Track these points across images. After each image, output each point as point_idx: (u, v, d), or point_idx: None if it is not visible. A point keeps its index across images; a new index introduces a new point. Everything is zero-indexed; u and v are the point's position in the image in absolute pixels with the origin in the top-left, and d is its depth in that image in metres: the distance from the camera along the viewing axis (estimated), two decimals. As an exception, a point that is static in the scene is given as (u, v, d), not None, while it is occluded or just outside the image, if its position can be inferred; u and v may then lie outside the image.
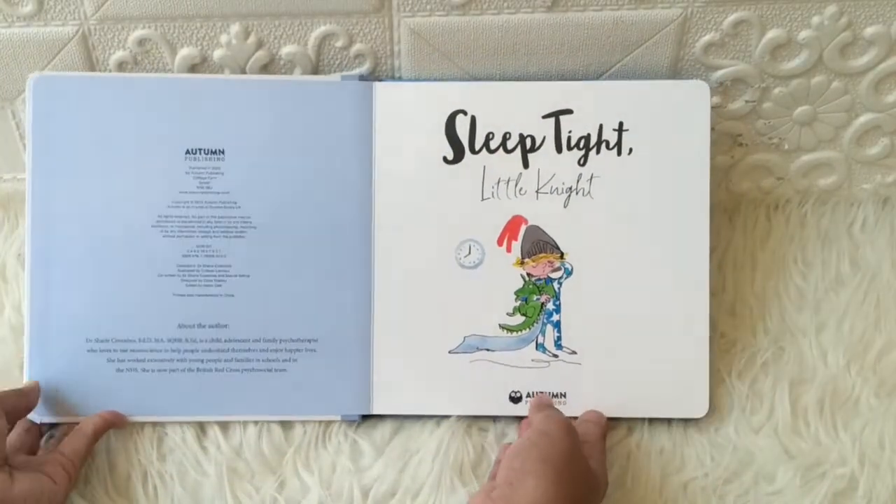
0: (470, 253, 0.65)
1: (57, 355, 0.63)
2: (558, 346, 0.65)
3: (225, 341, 0.64)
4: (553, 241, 0.65)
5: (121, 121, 0.64)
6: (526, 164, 0.65)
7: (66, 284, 0.63)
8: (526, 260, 0.65)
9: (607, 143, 0.65)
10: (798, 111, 0.69)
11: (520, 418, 0.65)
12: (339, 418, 0.64)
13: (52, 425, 0.63)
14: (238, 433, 0.64)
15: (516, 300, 0.65)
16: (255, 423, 0.64)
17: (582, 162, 0.65)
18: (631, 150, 0.65)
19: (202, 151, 0.64)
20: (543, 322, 0.65)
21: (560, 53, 0.65)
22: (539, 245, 0.65)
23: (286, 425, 0.65)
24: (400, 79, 0.66)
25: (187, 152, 0.64)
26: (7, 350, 0.66)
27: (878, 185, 0.73)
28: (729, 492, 0.62)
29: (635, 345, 0.65)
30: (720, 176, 0.72)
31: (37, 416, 0.62)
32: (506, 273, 0.65)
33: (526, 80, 0.66)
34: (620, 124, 0.64)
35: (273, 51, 0.65)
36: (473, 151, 0.65)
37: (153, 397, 0.63)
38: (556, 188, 0.65)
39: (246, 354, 0.64)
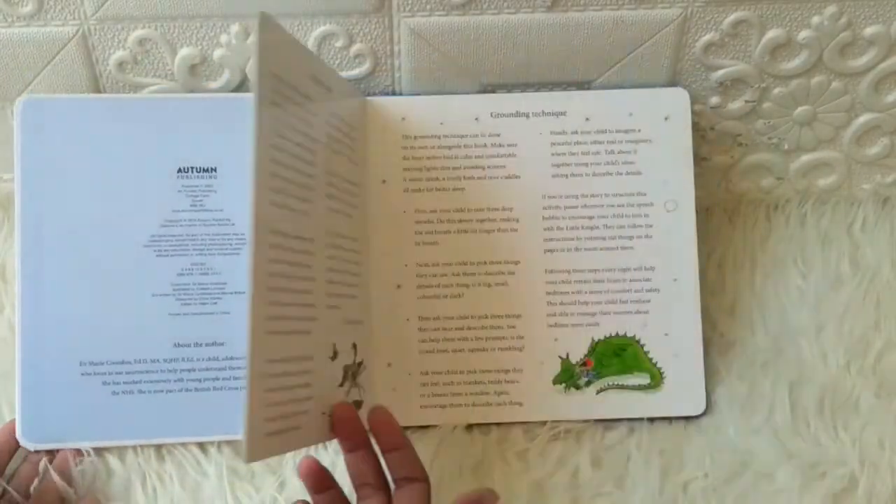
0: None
1: (50, 379, 0.62)
2: None
3: (222, 359, 0.63)
4: None
5: (111, 141, 0.63)
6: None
7: (57, 306, 0.62)
8: None
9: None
10: (798, 111, 0.69)
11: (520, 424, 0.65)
12: None
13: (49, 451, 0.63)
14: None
15: None
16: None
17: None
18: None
19: (194, 169, 0.64)
20: None
21: (560, 53, 0.65)
22: None
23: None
24: (400, 80, 0.66)
25: (179, 171, 0.64)
26: (8, 350, 0.66)
27: (878, 185, 0.73)
28: (729, 492, 0.62)
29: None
30: (719, 176, 0.72)
31: (31, 443, 0.61)
32: None
33: (526, 80, 0.66)
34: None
35: (273, 51, 0.65)
36: None
37: (150, 419, 0.63)
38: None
39: (243, 372, 0.63)
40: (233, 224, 0.64)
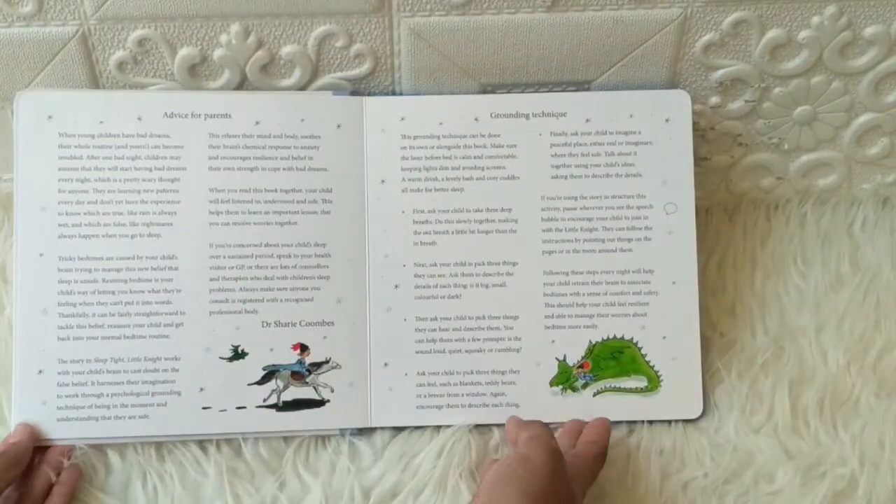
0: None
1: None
2: None
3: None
4: None
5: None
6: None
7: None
8: None
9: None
10: (798, 111, 0.69)
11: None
12: (336, 432, 0.64)
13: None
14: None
15: None
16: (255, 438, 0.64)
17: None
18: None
19: None
20: None
21: (560, 53, 0.65)
22: None
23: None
24: (400, 80, 0.66)
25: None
26: (8, 350, 0.66)
27: (878, 185, 0.73)
28: (729, 492, 0.62)
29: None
30: (720, 176, 0.72)
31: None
32: None
33: (526, 80, 0.67)
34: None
35: (273, 51, 0.64)
36: None
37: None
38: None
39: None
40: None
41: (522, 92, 0.67)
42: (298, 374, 0.64)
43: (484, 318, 0.65)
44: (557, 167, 0.65)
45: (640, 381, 0.65)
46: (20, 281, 0.62)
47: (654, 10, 0.64)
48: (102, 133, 0.63)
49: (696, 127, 0.68)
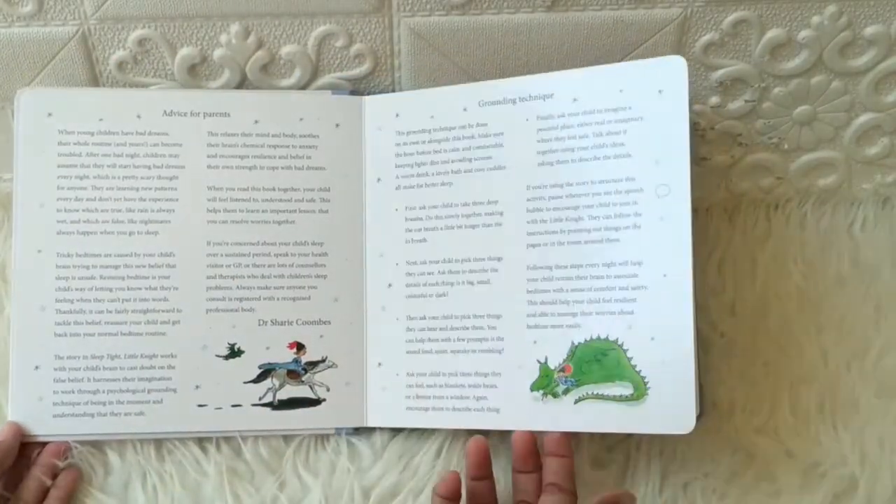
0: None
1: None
2: None
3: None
4: None
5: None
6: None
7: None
8: None
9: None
10: (798, 111, 0.69)
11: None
12: (332, 431, 0.64)
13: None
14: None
15: None
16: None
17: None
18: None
19: None
20: None
21: (560, 53, 0.65)
22: None
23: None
24: (400, 80, 0.66)
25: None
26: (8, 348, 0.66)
27: (878, 185, 0.73)
28: (729, 492, 0.62)
29: None
30: (720, 176, 0.72)
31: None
32: None
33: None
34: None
35: (273, 51, 0.65)
36: None
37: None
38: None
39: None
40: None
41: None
42: (294, 373, 0.64)
43: (469, 317, 0.63)
44: (544, 153, 0.62)
45: (625, 388, 0.59)
46: (18, 277, 0.62)
47: (654, 10, 0.64)
48: (102, 130, 0.63)
49: (696, 127, 0.68)
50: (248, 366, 0.63)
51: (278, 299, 0.64)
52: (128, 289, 0.63)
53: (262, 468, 0.63)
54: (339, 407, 0.64)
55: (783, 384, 0.66)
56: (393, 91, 0.67)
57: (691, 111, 0.65)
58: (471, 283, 0.63)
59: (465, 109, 0.64)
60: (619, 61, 0.66)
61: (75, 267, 0.62)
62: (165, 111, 0.64)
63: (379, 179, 0.65)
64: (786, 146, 0.71)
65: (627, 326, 0.59)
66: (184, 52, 0.64)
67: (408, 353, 0.64)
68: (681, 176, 0.59)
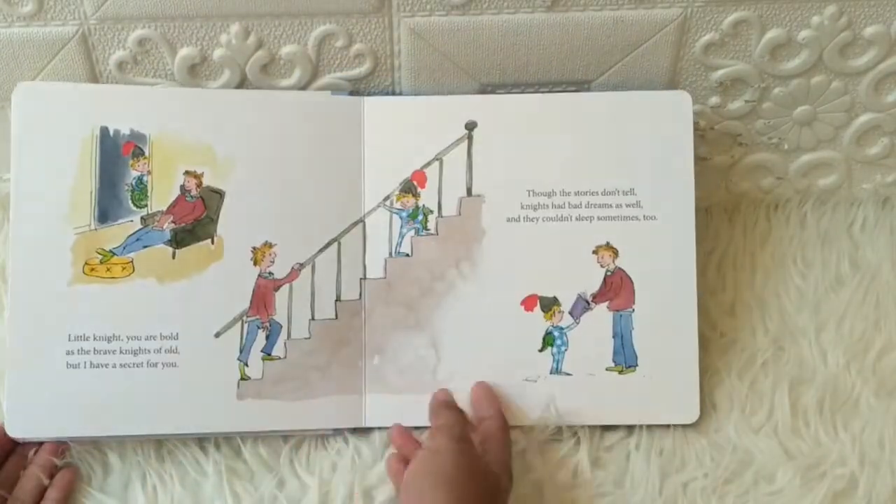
0: None
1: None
2: None
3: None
4: None
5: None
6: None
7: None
8: None
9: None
10: (798, 111, 0.69)
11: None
12: (331, 431, 0.64)
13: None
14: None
15: None
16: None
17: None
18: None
19: None
20: None
21: (560, 53, 0.65)
22: None
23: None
24: (400, 80, 0.67)
25: None
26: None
27: (878, 185, 0.73)
28: (729, 492, 0.62)
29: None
30: (720, 176, 0.72)
31: (17, 435, 0.61)
32: None
33: (526, 80, 0.67)
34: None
35: (273, 51, 0.65)
36: None
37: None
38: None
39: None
40: None
41: (522, 92, 0.67)
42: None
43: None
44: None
45: None
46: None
47: (654, 10, 0.64)
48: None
49: (696, 127, 0.68)
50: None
51: None
52: None
53: (261, 468, 0.63)
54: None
55: (783, 384, 0.66)
56: (393, 91, 0.67)
57: (692, 112, 0.66)
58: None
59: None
60: (619, 61, 0.66)
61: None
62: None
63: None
64: (786, 146, 0.71)
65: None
66: (184, 52, 0.64)
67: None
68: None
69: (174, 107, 0.64)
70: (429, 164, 0.66)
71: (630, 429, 0.65)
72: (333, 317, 0.65)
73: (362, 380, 0.64)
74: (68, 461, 0.62)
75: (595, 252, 0.65)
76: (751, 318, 0.70)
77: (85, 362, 0.62)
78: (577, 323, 0.65)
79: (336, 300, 0.65)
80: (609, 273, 0.65)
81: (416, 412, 0.64)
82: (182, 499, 0.62)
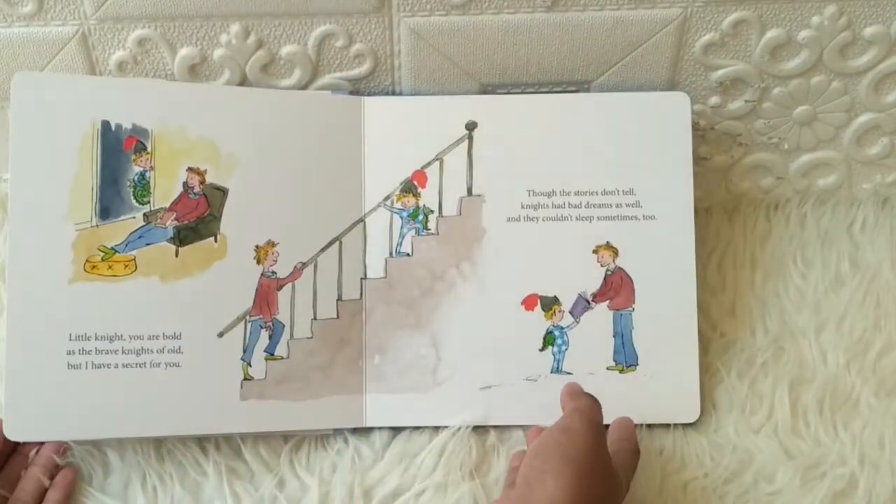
0: None
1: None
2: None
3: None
4: None
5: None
6: None
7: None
8: None
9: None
10: (798, 111, 0.69)
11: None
12: (331, 431, 0.64)
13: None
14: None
15: None
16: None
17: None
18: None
19: None
20: None
21: (560, 53, 0.65)
22: None
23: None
24: (400, 80, 0.67)
25: None
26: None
27: (878, 185, 0.73)
28: (729, 492, 0.62)
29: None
30: (720, 176, 0.72)
31: (17, 436, 0.60)
32: None
33: (526, 80, 0.67)
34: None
35: (273, 51, 0.65)
36: None
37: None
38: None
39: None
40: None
41: (522, 92, 0.67)
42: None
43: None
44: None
45: None
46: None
47: (654, 10, 0.64)
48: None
49: (696, 127, 0.68)
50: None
51: None
52: None
53: (261, 468, 0.63)
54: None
55: (783, 384, 0.66)
56: (393, 91, 0.67)
57: (692, 112, 0.66)
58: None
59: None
60: (619, 61, 0.66)
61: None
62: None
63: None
64: (786, 146, 0.71)
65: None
66: (184, 52, 0.64)
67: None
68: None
69: (177, 101, 0.64)
70: (429, 164, 0.66)
71: (630, 428, 0.65)
72: (335, 316, 0.65)
73: (363, 380, 0.64)
74: (69, 461, 0.62)
75: (595, 251, 0.66)
76: (751, 318, 0.70)
77: (86, 363, 0.61)
78: (578, 322, 0.65)
79: (338, 300, 0.65)
80: (609, 272, 0.65)
81: (417, 412, 0.64)
82: (182, 499, 0.61)
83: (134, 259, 0.63)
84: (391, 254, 0.66)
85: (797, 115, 0.69)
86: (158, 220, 0.63)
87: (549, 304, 0.65)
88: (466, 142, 0.66)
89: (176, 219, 0.63)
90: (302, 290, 0.64)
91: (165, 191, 0.63)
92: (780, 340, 0.68)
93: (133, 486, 0.62)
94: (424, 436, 0.64)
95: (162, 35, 0.63)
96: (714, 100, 0.68)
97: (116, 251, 0.62)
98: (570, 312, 0.65)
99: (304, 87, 0.66)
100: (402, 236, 0.66)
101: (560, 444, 0.53)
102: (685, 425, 0.65)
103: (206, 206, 0.64)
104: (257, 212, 0.64)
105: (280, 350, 0.64)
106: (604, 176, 0.66)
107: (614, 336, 0.65)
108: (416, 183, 0.66)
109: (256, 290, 0.64)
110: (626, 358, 0.65)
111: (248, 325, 0.64)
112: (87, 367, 0.61)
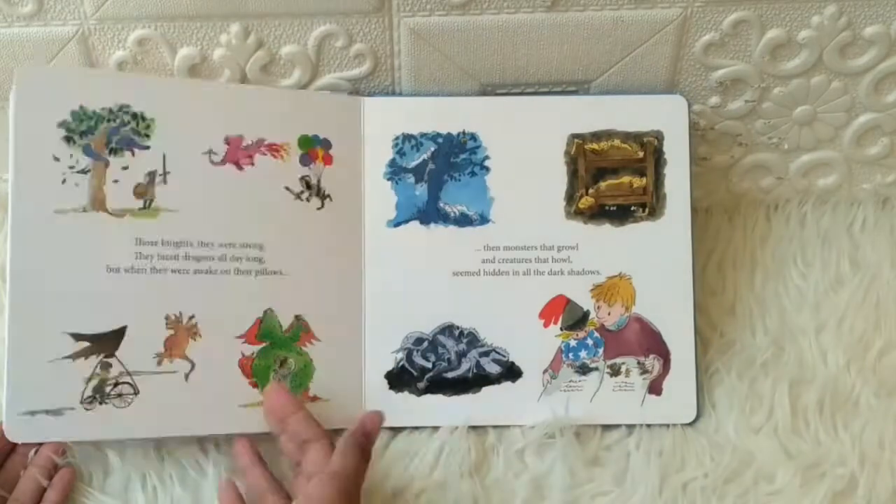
0: None
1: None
2: None
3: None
4: None
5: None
6: None
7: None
8: None
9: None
10: (798, 111, 0.69)
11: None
12: (331, 431, 0.64)
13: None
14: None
15: None
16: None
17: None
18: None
19: None
20: None
21: (560, 53, 0.65)
22: None
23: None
24: (400, 80, 0.66)
25: None
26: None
27: (878, 185, 0.73)
28: (729, 492, 0.62)
29: None
30: (720, 176, 0.72)
31: (16, 437, 0.60)
32: None
33: (526, 80, 0.67)
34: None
35: (273, 51, 0.65)
36: None
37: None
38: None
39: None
40: None
41: (522, 93, 0.67)
42: None
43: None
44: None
45: None
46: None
47: (654, 10, 0.64)
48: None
49: (696, 127, 0.68)
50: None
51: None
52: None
53: (262, 468, 0.63)
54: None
55: (783, 384, 0.66)
56: (393, 91, 0.67)
57: (691, 112, 0.66)
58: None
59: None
60: (619, 61, 0.66)
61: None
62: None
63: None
64: (786, 146, 0.71)
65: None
66: (184, 52, 0.64)
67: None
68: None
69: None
70: (429, 163, 0.66)
71: (630, 428, 0.65)
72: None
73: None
74: (68, 461, 0.62)
75: None
76: (751, 318, 0.70)
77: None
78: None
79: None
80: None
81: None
82: (182, 499, 0.61)
83: None
84: None
85: (797, 115, 0.69)
86: None
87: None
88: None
89: None
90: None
91: None
92: (780, 340, 0.68)
93: (133, 486, 0.62)
94: (424, 435, 0.64)
95: (162, 35, 0.63)
96: (714, 100, 0.68)
97: None
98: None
99: (304, 87, 0.66)
100: None
101: None
102: (685, 425, 0.65)
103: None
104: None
105: None
106: None
107: None
108: None
109: None
110: None
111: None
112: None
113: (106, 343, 0.61)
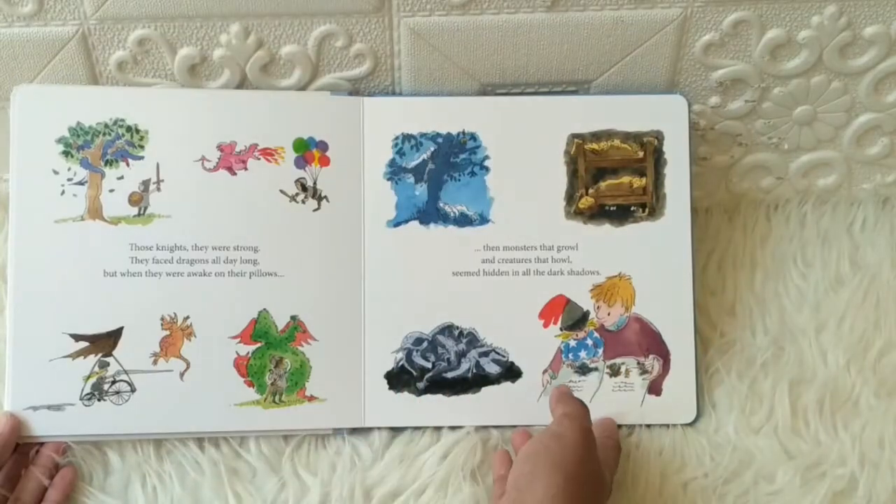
0: None
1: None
2: None
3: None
4: None
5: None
6: None
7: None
8: None
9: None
10: (798, 111, 0.69)
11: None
12: (330, 431, 0.64)
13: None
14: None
15: None
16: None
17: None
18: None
19: None
20: None
21: (560, 53, 0.65)
22: None
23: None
24: (400, 80, 0.66)
25: None
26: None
27: (878, 185, 0.73)
28: (729, 492, 0.62)
29: None
30: (720, 176, 0.72)
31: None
32: None
33: (526, 80, 0.67)
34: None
35: (273, 51, 0.65)
36: None
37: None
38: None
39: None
40: None
41: (522, 92, 0.67)
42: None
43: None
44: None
45: None
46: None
47: (654, 10, 0.64)
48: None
49: (696, 127, 0.68)
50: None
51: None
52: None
53: (262, 468, 0.63)
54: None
55: (783, 384, 0.66)
56: (393, 91, 0.67)
57: (691, 112, 0.66)
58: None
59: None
60: (619, 61, 0.66)
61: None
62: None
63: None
64: (786, 146, 0.71)
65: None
66: (184, 52, 0.64)
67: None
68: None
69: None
70: (429, 163, 0.66)
71: (630, 428, 0.65)
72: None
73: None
74: (69, 461, 0.62)
75: None
76: (751, 318, 0.70)
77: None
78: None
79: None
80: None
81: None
82: (182, 499, 0.62)
83: None
84: None
85: (797, 115, 0.69)
86: None
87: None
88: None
89: None
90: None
91: None
92: (780, 340, 0.68)
93: (133, 486, 0.62)
94: (426, 435, 0.64)
95: (162, 35, 0.63)
96: (714, 100, 0.68)
97: None
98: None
99: (304, 88, 0.66)
100: None
101: (550, 449, 0.54)
102: (685, 425, 0.65)
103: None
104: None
105: None
106: None
107: None
108: None
109: None
110: None
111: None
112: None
113: (104, 343, 0.62)
